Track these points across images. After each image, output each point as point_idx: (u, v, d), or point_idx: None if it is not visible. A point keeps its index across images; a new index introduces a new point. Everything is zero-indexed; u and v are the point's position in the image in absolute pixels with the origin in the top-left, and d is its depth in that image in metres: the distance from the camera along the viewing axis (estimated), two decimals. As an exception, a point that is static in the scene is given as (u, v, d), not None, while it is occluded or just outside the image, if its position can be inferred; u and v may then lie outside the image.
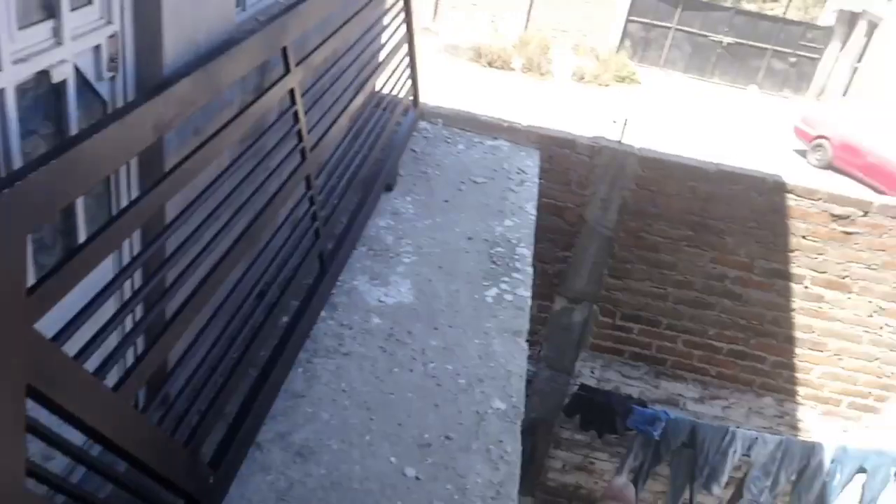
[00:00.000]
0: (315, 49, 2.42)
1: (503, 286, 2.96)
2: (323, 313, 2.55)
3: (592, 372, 5.43)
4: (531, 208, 3.64)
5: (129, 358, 1.69)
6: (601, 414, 4.95)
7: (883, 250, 4.60)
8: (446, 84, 16.66)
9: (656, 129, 15.54)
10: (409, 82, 4.21)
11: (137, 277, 1.73)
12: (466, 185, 3.73)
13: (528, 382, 5.38)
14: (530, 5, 19.92)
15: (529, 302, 2.91)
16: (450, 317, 2.72)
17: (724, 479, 4.77)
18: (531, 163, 4.16)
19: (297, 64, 2.23)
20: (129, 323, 1.55)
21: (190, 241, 1.63)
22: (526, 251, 3.25)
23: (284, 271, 2.25)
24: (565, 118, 15.28)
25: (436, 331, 2.62)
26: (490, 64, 17.95)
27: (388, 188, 3.55)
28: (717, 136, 16.04)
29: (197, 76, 1.60)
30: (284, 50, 2.13)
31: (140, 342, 1.79)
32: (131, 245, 1.79)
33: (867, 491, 4.83)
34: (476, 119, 4.47)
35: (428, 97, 4.49)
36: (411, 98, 4.28)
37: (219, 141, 1.74)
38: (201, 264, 1.65)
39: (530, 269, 3.12)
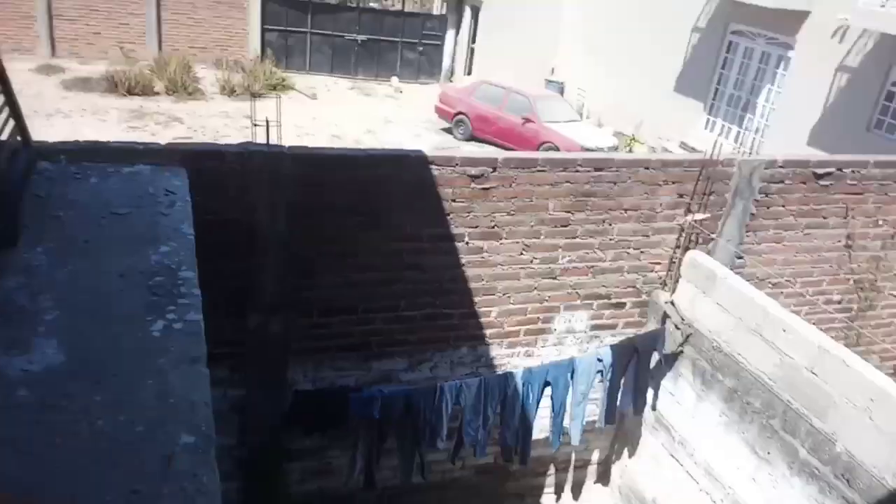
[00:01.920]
0: None
1: (170, 316, 2.75)
2: (-56, 406, 2.11)
3: (306, 375, 5.41)
4: (188, 228, 3.44)
5: None
6: (321, 413, 4.98)
7: (515, 197, 5.34)
8: (79, 115, 15.01)
9: (317, 129, 15.97)
10: (12, 122, 3.66)
11: None
12: (108, 220, 3.38)
13: (243, 407, 5.18)
14: (158, 27, 18.87)
15: (203, 325, 2.76)
16: (114, 365, 2.45)
17: (444, 431, 5.17)
18: (179, 182, 3.93)
19: None
20: None
21: None
22: (189, 273, 3.07)
23: None
24: (235, 133, 14.86)
25: (99, 385, 2.34)
26: (129, 91, 16.63)
27: (12, 243, 3.06)
28: (375, 125, 17.06)
29: None
30: None
31: None
32: None
33: (555, 399, 5.65)
34: (106, 148, 4.07)
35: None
36: (19, 139, 3.73)
37: None
38: None
39: (197, 291, 2.95)
